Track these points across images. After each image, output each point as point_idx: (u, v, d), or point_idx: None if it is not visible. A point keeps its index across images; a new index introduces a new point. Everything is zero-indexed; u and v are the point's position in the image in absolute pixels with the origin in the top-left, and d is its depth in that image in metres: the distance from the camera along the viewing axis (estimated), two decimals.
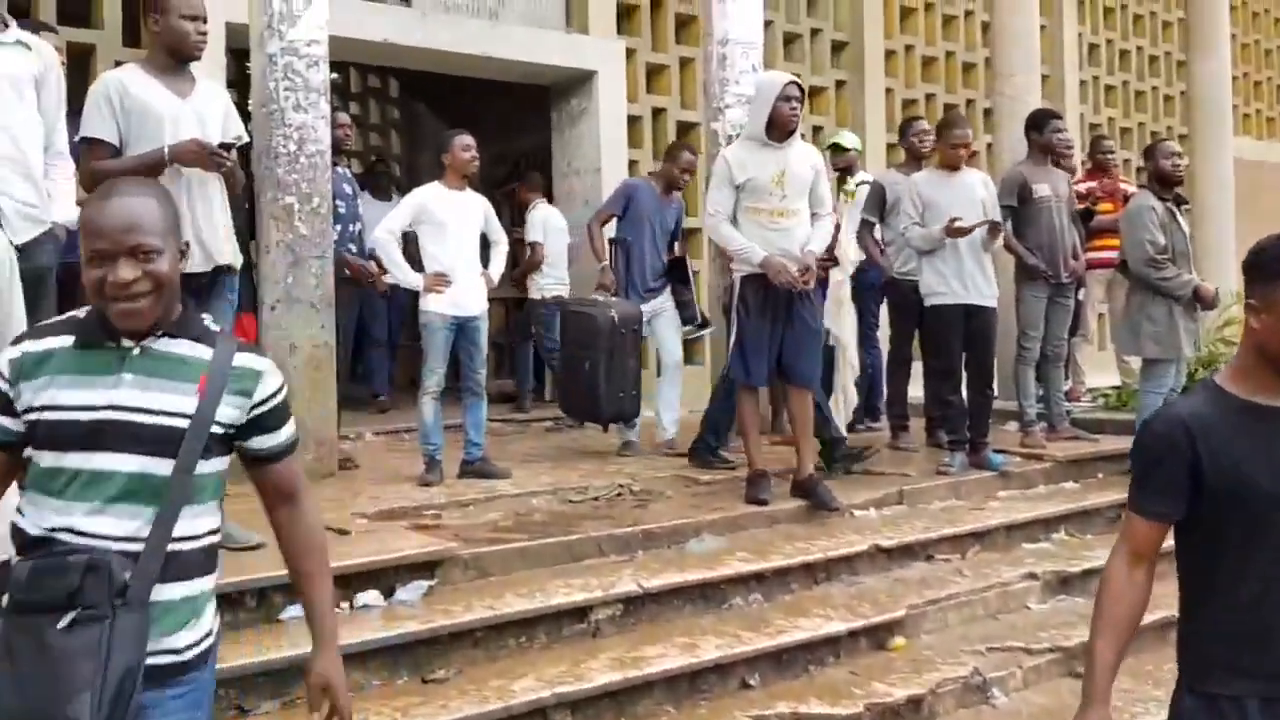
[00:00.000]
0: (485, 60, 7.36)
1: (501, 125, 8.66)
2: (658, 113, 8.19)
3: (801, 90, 4.61)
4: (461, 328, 4.83)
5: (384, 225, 4.93)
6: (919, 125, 6.27)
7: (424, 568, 3.55)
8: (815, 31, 9.03)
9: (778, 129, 4.57)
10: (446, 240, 4.83)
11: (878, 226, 6.18)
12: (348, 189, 5.63)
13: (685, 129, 8.13)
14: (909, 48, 9.53)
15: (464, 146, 4.92)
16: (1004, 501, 5.23)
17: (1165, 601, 4.63)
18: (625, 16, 8.07)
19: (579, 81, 7.86)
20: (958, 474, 5.34)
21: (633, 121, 8.04)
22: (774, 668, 3.56)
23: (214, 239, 3.52)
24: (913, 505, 5.00)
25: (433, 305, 4.80)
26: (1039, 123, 6.05)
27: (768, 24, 8.45)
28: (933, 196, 5.46)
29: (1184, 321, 5.49)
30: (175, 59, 3.51)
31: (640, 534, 4.10)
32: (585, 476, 4.97)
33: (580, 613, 3.54)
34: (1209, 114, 9.20)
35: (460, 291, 4.81)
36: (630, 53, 8.01)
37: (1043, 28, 9.58)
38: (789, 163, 4.60)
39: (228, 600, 3.22)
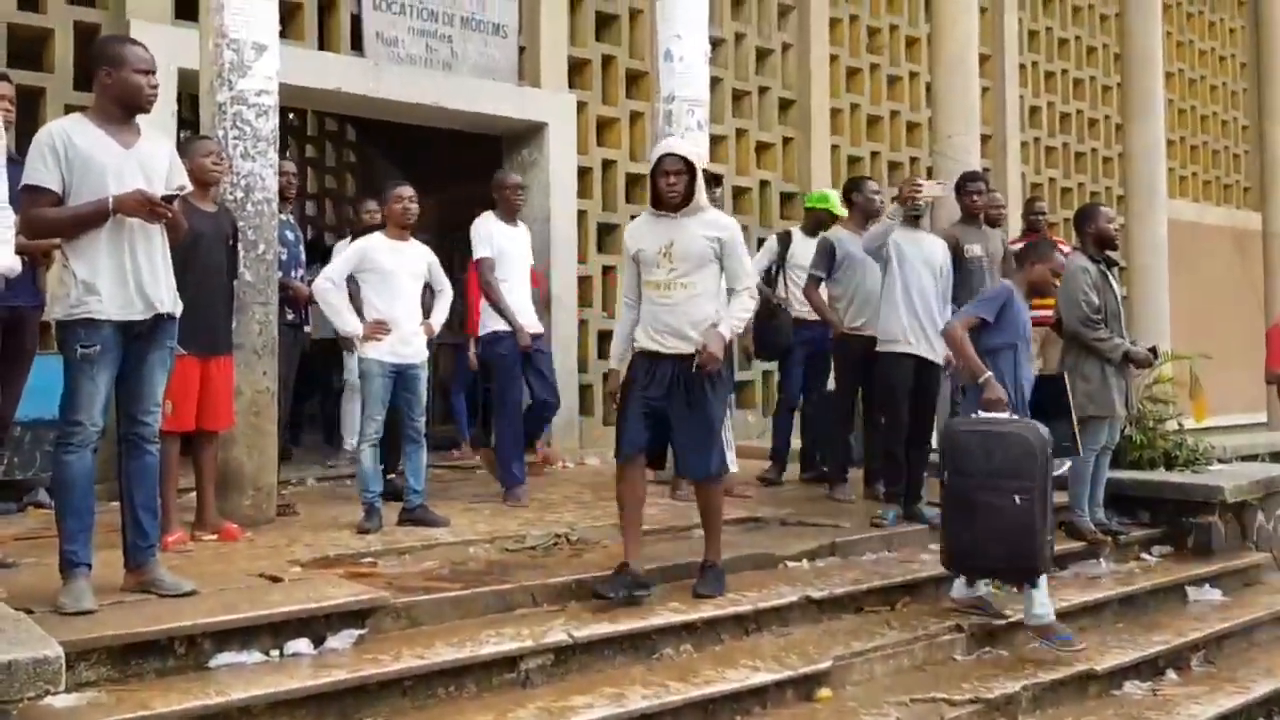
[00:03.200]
0: (438, 110, 7.47)
1: (454, 172, 8.76)
2: (608, 164, 8.35)
3: (688, 163, 4.21)
4: (400, 375, 4.90)
5: (325, 274, 5.02)
6: (869, 185, 6.39)
7: (355, 616, 3.58)
8: (764, 89, 9.26)
9: (660, 201, 4.29)
10: (386, 289, 4.92)
11: (823, 283, 6.31)
12: (290, 236, 5.70)
13: (634, 181, 8.29)
14: (854, 106, 9.79)
15: (399, 198, 5.02)
16: (935, 554, 5.32)
17: (1085, 655, 4.73)
18: (577, 71, 8.24)
19: (530, 132, 8.00)
20: (891, 527, 5.44)
21: (583, 173, 8.18)
22: (700, 718, 3.62)
23: (155, 288, 3.57)
24: (845, 557, 5.09)
25: (371, 353, 4.87)
26: (959, 183, 6.26)
27: (717, 81, 8.68)
28: (904, 248, 5.61)
29: (1116, 380, 5.66)
30: (125, 111, 3.58)
31: (574, 584, 4.15)
32: (524, 525, 5.01)
33: (510, 662, 3.58)
34: (1144, 177, 9.53)
35: (399, 340, 4.88)
36: (581, 106, 8.18)
37: (986, 90, 9.92)
38: (679, 234, 4.23)
39: (157, 647, 3.24)
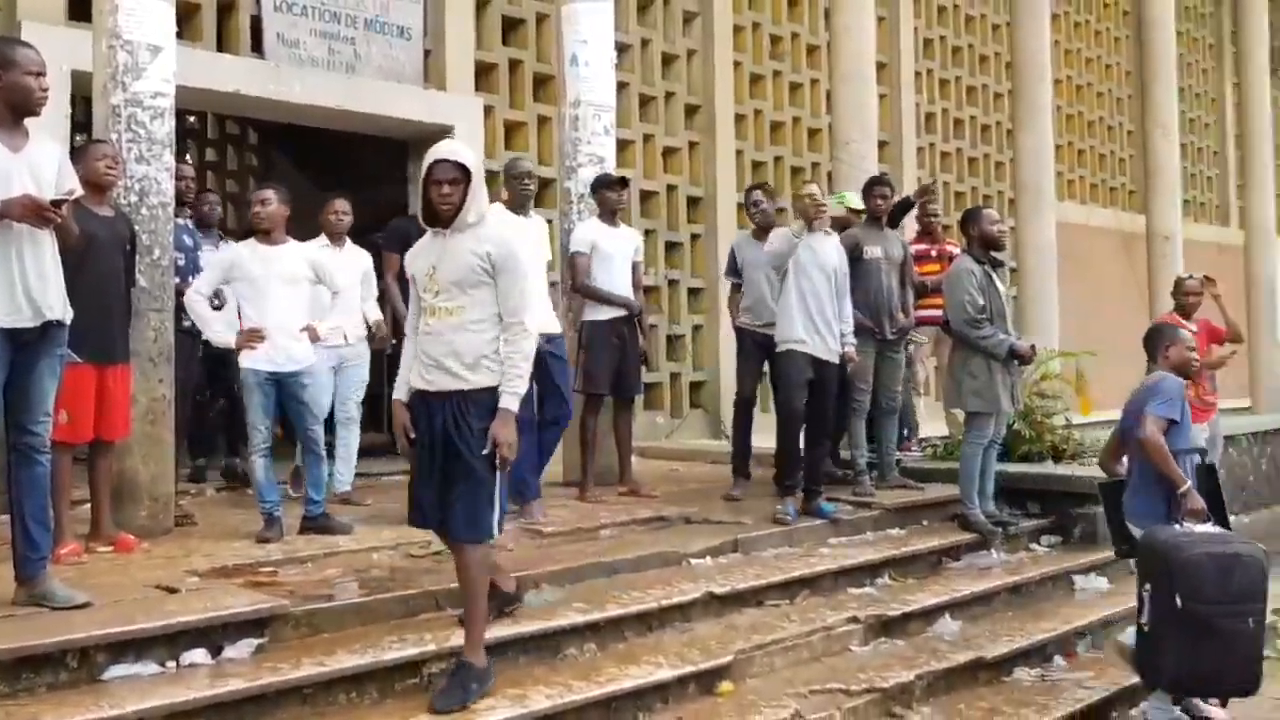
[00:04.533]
0: (341, 113, 7.41)
1: (361, 176, 8.68)
2: None
3: (465, 170, 3.55)
4: (281, 384, 4.82)
5: (194, 285, 4.94)
6: (754, 195, 6.53)
7: (254, 625, 3.55)
8: (670, 94, 9.38)
9: (434, 216, 3.62)
10: (257, 296, 4.82)
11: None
12: (188, 240, 5.61)
13: (543, 185, 8.31)
14: (758, 112, 9.97)
15: (258, 201, 4.96)
16: (833, 548, 5.49)
17: (975, 643, 4.92)
18: (483, 74, 8.24)
19: (437, 136, 7.93)
20: (793, 521, 5.57)
21: (491, 177, 8.17)
22: (603, 715, 3.68)
23: (44, 294, 3.51)
24: (747, 553, 5.21)
25: (246, 362, 4.77)
26: (865, 187, 6.47)
27: (624, 85, 8.77)
28: (800, 253, 5.76)
29: (1001, 377, 5.89)
30: (15, 114, 3.52)
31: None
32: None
33: (413, 667, 3.59)
34: (1033, 180, 9.86)
35: (274, 348, 4.79)
36: (488, 109, 8.18)
37: (883, 97, 10.19)
38: (445, 252, 3.58)
39: (49, 661, 3.19)
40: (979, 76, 11.81)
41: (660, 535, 5.30)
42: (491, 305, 3.56)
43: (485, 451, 3.48)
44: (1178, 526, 4.50)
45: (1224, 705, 4.53)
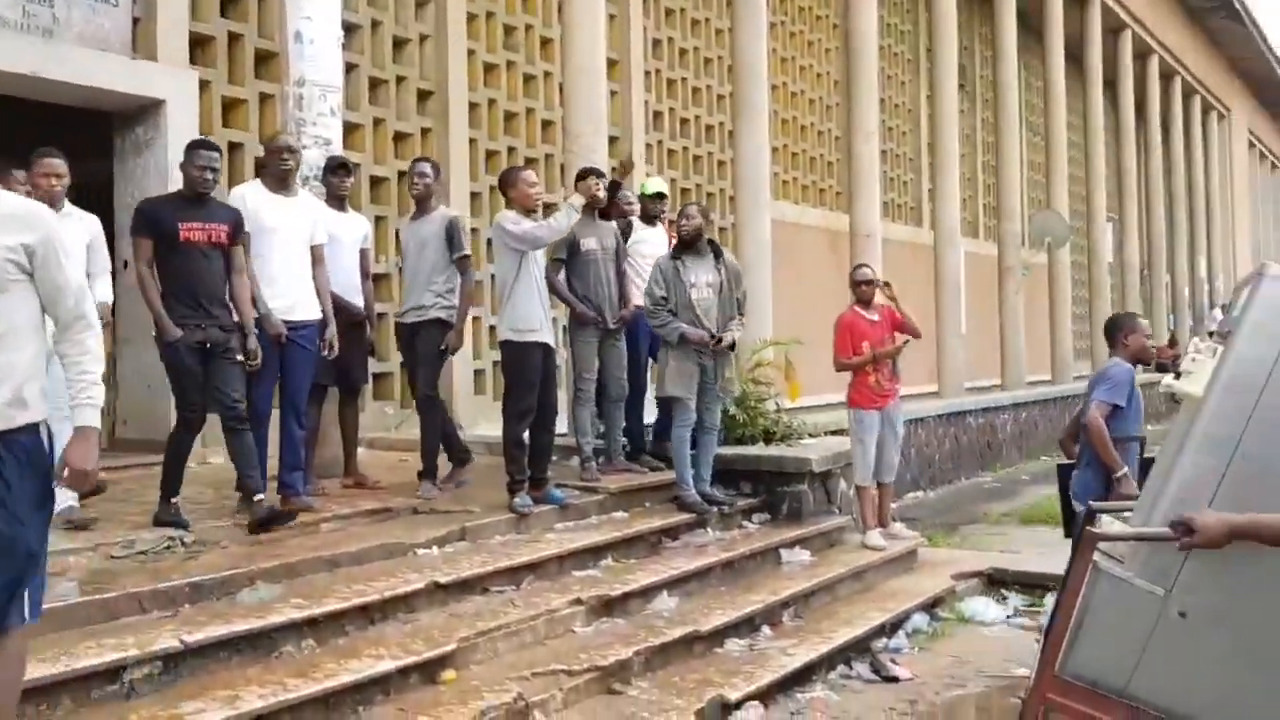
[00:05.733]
0: (35, 81, 6.81)
1: (60, 150, 8.01)
2: (235, 147, 7.98)
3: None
4: None
5: None
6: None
7: None
8: (401, 79, 9.22)
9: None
10: None
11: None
12: None
13: (263, 166, 7.99)
14: (492, 101, 9.98)
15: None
16: (560, 533, 5.64)
17: (691, 618, 5.22)
18: (200, 47, 7.81)
19: (146, 111, 7.48)
20: (527, 509, 5.66)
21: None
22: (321, 713, 3.64)
23: None
24: (474, 541, 5.27)
25: None
26: (579, 176, 6.48)
27: (353, 67, 8.55)
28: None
29: (679, 363, 6.21)
30: None
31: (187, 587, 4.01)
32: (133, 529, 4.75)
33: (113, 674, 3.42)
34: (751, 179, 10.43)
35: None
36: (205, 84, 7.76)
37: (614, 93, 10.46)
38: None
39: None
40: (704, 78, 12.33)
41: (385, 527, 5.27)
42: (24, 313, 2.76)
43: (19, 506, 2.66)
44: None
45: None
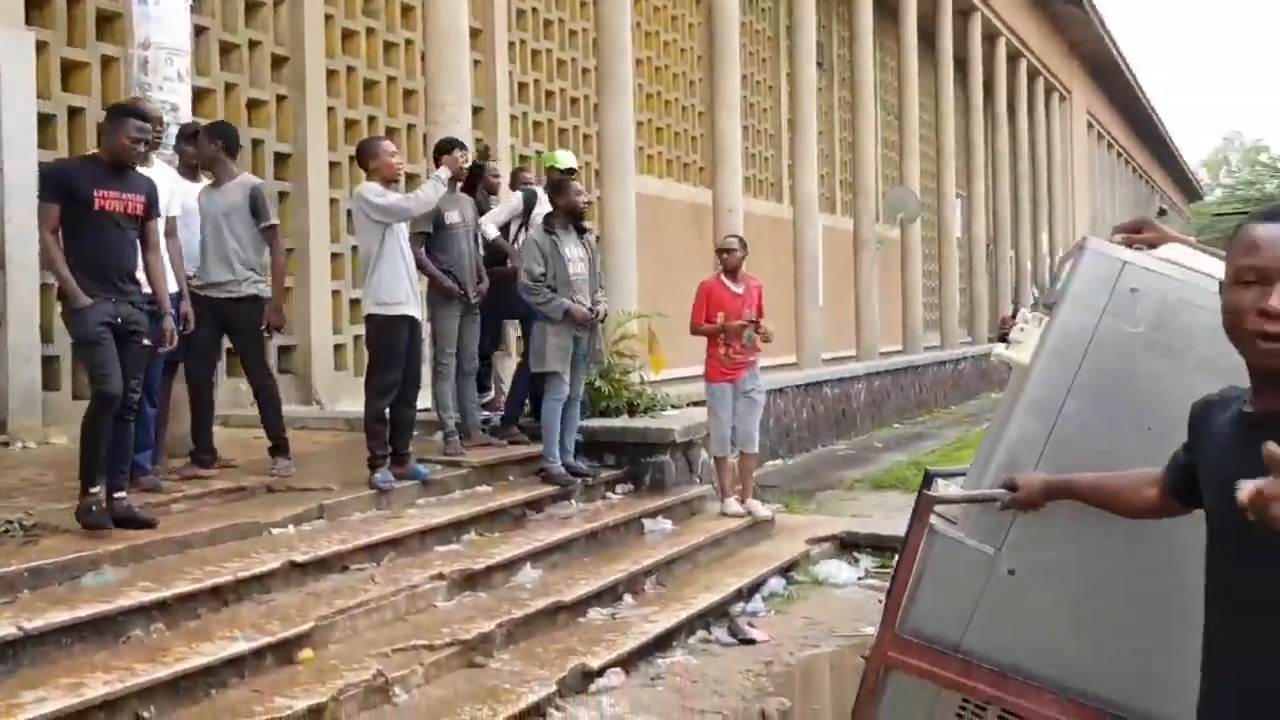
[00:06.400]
0: None
1: None
2: (75, 112, 7.59)
3: None
4: None
5: None
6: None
7: None
8: (254, 43, 8.90)
9: None
10: None
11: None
12: None
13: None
14: (351, 69, 9.73)
15: None
16: (421, 509, 5.61)
17: (555, 589, 5.28)
18: (36, 6, 7.38)
19: None
20: (384, 485, 5.60)
21: (45, 120, 7.37)
22: (171, 697, 3.55)
23: None
24: (333, 519, 5.19)
25: None
26: (444, 147, 6.42)
27: (203, 30, 8.21)
28: None
29: (558, 339, 6.27)
30: None
31: (26, 572, 3.85)
32: None
33: None
34: (616, 153, 10.48)
35: None
36: (42, 46, 7.34)
37: (477, 63, 10.31)
38: None
39: None
40: (569, 50, 12.27)
41: (239, 506, 5.14)
42: None
43: None
44: None
45: None
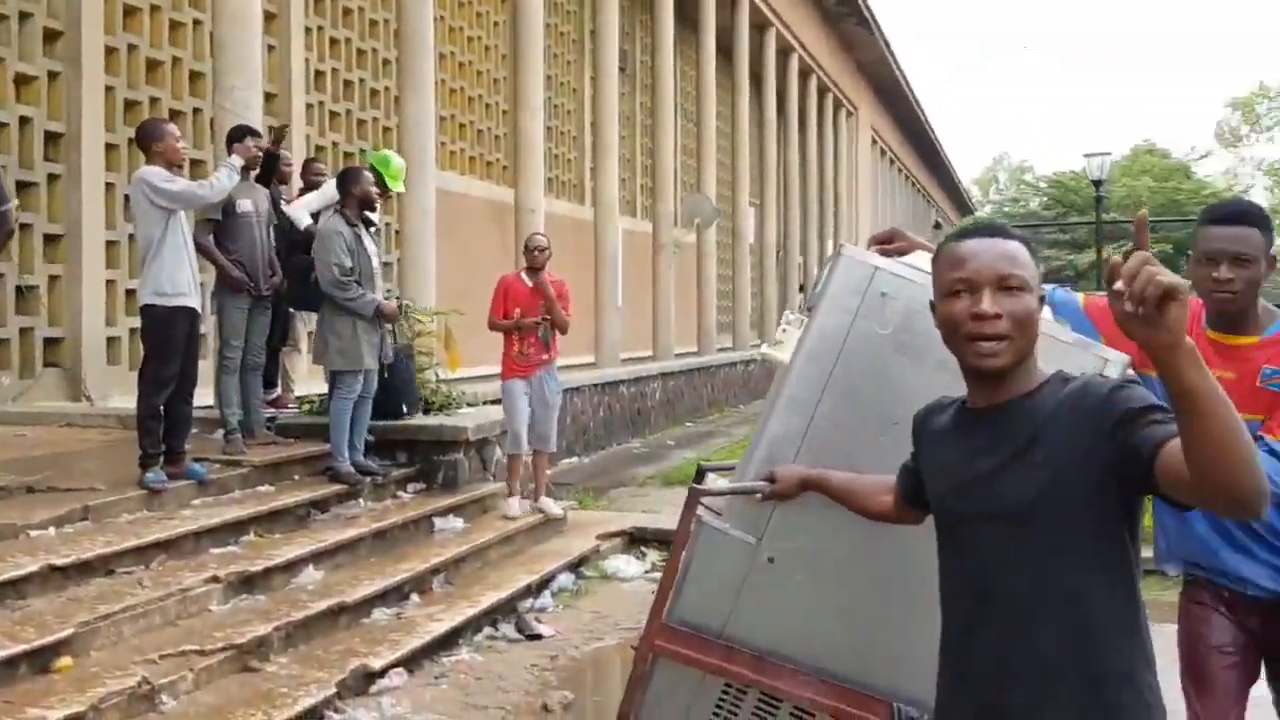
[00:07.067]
0: None
1: None
2: None
3: None
4: None
5: None
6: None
7: None
8: (25, 15, 8.29)
9: None
10: None
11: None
12: None
13: None
14: (133, 47, 9.20)
15: None
16: (196, 509, 5.40)
17: (337, 589, 5.18)
18: None
19: None
20: (156, 484, 5.35)
21: None
22: None
23: None
24: (99, 521, 4.94)
25: None
26: (234, 136, 6.26)
27: None
28: None
29: (366, 336, 6.17)
30: None
31: None
32: None
33: None
34: (417, 148, 10.34)
35: None
36: None
37: (272, 48, 9.96)
38: None
39: None
40: (369, 40, 12.00)
41: None
42: None
43: None
44: None
45: None
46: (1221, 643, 2.65)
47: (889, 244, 2.88)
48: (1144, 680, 1.70)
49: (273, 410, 6.96)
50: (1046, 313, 2.70)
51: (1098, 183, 24.39)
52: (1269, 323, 2.61)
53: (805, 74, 24.63)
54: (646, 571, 6.72)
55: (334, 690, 4.20)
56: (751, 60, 20.32)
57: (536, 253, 7.24)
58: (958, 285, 1.79)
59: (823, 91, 26.45)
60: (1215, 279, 2.54)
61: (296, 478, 6.24)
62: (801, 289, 23.41)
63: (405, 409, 7.18)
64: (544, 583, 6.16)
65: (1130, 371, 2.51)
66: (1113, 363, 2.43)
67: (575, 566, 6.59)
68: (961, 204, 54.65)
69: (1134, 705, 1.68)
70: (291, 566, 5.16)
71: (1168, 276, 1.38)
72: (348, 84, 11.72)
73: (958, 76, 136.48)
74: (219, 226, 6.13)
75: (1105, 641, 1.68)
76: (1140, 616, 1.71)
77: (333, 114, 11.45)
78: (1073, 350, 2.43)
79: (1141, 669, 1.70)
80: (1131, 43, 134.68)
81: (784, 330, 3.01)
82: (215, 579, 4.72)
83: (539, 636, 5.41)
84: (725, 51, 19.40)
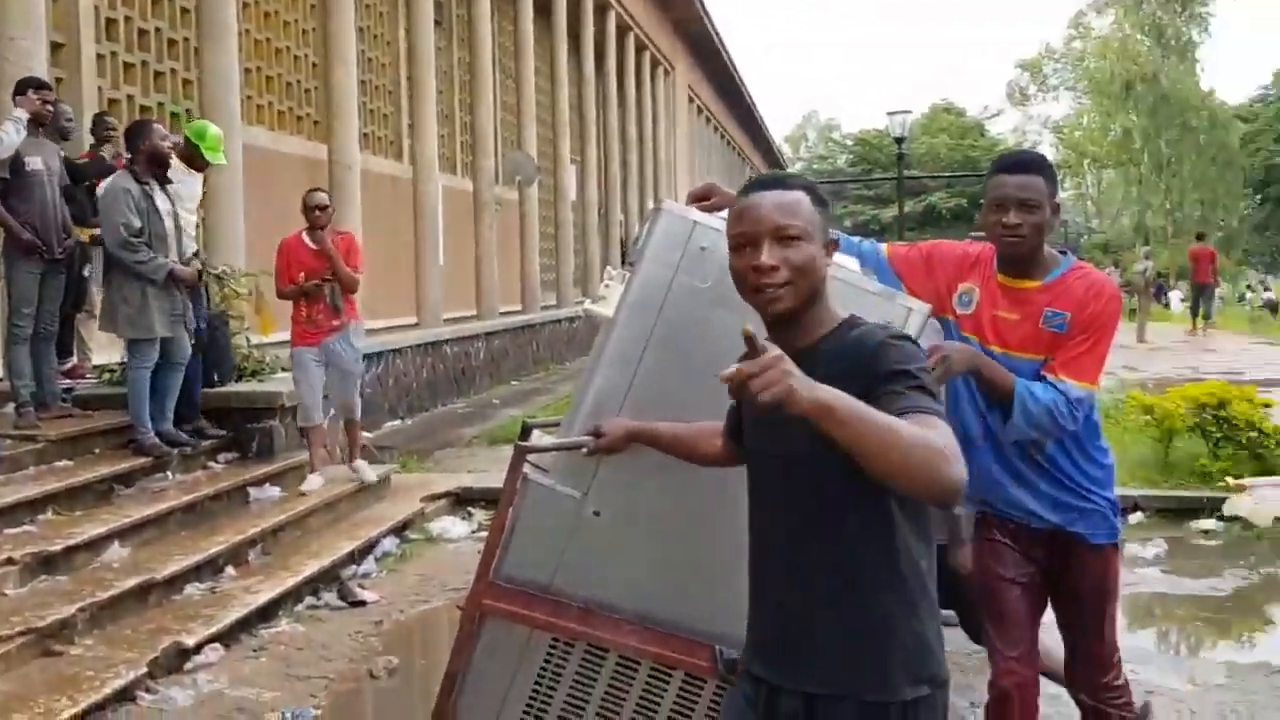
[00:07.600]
0: None
1: None
2: None
3: None
4: None
5: None
6: None
7: None
8: None
9: None
10: None
11: None
12: None
13: None
14: None
15: None
16: None
17: (146, 566, 4.95)
18: None
19: None
20: None
21: None
22: None
23: None
24: None
25: None
26: (20, 89, 5.84)
27: None
28: None
29: (159, 303, 5.83)
30: None
31: None
32: None
33: None
34: (220, 102, 9.80)
35: None
36: None
37: None
38: None
39: None
40: None
41: None
42: None
43: None
44: None
45: None
46: (1012, 574, 2.85)
47: (706, 200, 2.93)
48: (907, 626, 1.75)
49: (69, 381, 6.54)
50: (854, 263, 2.81)
51: (899, 140, 25.47)
52: (1053, 267, 2.79)
53: (623, 32, 24.63)
54: (473, 531, 6.68)
55: (145, 670, 4.03)
56: (569, 17, 20.16)
57: (318, 211, 6.72)
58: (739, 240, 1.85)
59: (640, 50, 26.52)
60: (1004, 224, 2.69)
61: (97, 451, 5.89)
62: (623, 245, 23.56)
63: (219, 378, 6.86)
64: (367, 548, 6.05)
65: (933, 320, 2.64)
66: (916, 311, 2.54)
67: (400, 530, 6.49)
68: (775, 161, 56.04)
69: (892, 649, 1.73)
70: (95, 544, 4.89)
71: (771, 395, 1.48)
72: (143, 32, 10.99)
73: (770, 30, 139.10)
74: (6, 185, 5.68)
75: (870, 584, 1.75)
76: (905, 562, 1.76)
77: (127, 65, 10.72)
78: (878, 300, 2.54)
79: (906, 614, 1.76)
80: None
81: (607, 286, 3.02)
82: (10, 561, 4.44)
83: (363, 603, 5.32)
84: (543, 9, 19.18)
